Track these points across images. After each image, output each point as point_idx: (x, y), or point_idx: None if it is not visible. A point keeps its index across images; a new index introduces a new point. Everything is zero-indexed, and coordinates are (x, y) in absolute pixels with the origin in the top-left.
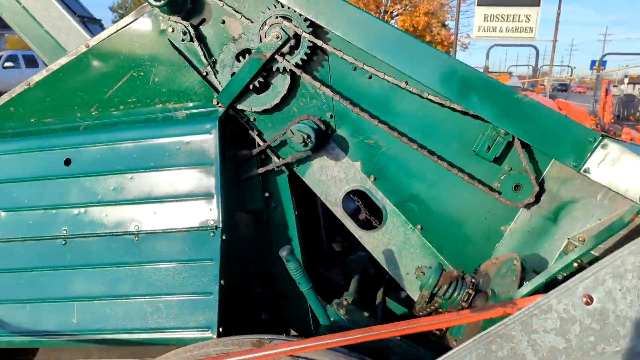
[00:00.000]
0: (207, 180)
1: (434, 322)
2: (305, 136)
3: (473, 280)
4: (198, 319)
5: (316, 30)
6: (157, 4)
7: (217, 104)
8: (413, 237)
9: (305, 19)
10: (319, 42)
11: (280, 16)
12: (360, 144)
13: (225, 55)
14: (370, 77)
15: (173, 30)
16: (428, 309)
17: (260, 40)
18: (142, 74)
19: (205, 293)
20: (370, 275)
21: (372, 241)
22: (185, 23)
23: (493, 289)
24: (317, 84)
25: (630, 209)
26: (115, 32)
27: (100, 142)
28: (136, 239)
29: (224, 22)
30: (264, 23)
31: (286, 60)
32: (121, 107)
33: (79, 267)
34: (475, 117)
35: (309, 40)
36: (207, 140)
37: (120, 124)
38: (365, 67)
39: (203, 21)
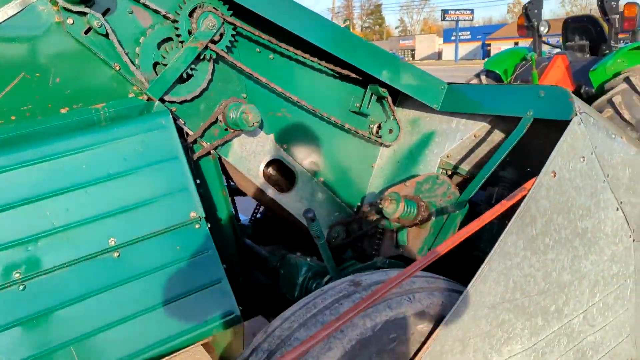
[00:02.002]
0: (177, 174)
1: (491, 215)
2: (258, 118)
3: (413, 197)
4: (218, 307)
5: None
6: None
7: (135, 97)
8: (317, 188)
9: (225, 3)
10: (241, 25)
11: (203, 4)
12: (272, 118)
13: (146, 46)
14: (273, 57)
15: (73, 23)
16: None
17: (189, 30)
18: (37, 75)
19: (215, 282)
20: None
21: (290, 200)
22: (96, 14)
23: (430, 201)
24: (237, 67)
25: (520, 125)
26: None
27: (27, 161)
28: (117, 254)
29: (131, 12)
30: (189, 12)
31: (216, 47)
32: (12, 117)
33: (53, 310)
34: (350, 82)
35: (230, 23)
36: (166, 134)
37: (34, 136)
38: (271, 42)
39: (107, 11)
